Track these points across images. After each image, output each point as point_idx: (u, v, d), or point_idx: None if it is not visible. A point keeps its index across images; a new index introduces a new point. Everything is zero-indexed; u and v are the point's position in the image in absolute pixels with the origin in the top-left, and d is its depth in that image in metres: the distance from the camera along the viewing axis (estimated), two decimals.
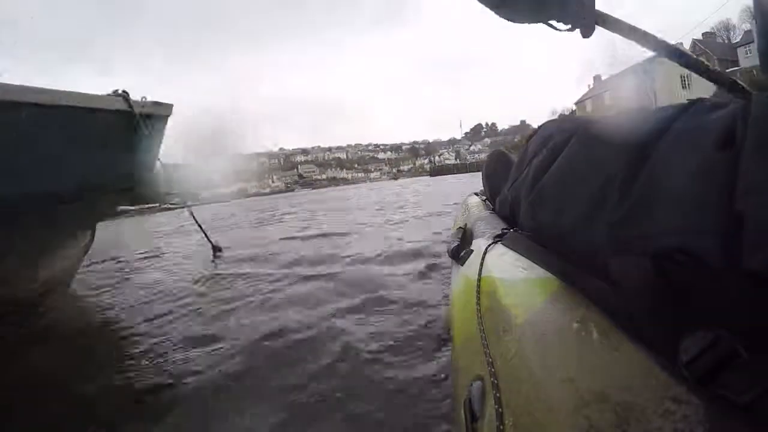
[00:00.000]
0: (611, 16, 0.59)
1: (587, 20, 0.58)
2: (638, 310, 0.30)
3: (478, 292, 0.51)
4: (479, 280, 0.53)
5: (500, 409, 0.32)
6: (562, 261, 0.42)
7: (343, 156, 76.89)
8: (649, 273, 0.29)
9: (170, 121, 2.35)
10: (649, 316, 0.30)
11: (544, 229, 0.50)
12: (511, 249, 0.55)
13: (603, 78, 29.00)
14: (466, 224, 1.02)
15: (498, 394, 0.33)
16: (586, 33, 0.59)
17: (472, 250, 0.72)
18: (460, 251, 0.80)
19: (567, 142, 0.50)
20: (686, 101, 0.38)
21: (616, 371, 0.28)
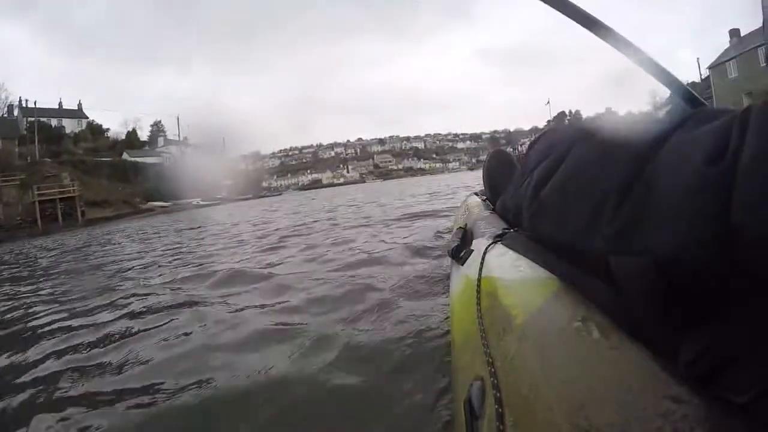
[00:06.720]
0: None
1: None
2: (638, 311, 0.30)
3: (479, 292, 0.51)
4: (479, 280, 0.53)
5: (500, 409, 0.32)
6: (562, 261, 0.42)
7: (420, 146, 73.68)
8: (649, 273, 0.29)
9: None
10: (649, 316, 0.30)
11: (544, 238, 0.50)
12: (511, 249, 0.55)
13: (743, 33, 17.89)
14: (466, 224, 1.02)
15: (498, 394, 0.33)
16: None
17: (473, 250, 0.72)
18: (460, 251, 0.80)
19: (568, 151, 0.50)
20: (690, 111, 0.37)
21: (616, 371, 0.28)
